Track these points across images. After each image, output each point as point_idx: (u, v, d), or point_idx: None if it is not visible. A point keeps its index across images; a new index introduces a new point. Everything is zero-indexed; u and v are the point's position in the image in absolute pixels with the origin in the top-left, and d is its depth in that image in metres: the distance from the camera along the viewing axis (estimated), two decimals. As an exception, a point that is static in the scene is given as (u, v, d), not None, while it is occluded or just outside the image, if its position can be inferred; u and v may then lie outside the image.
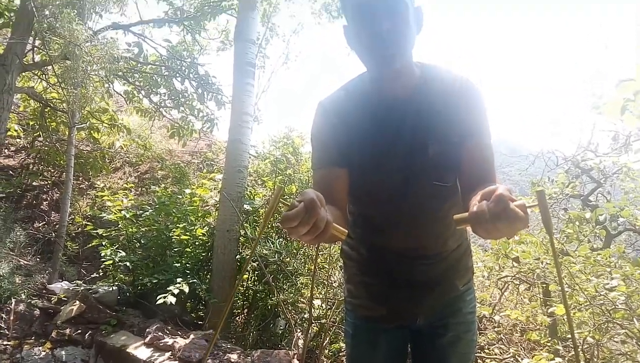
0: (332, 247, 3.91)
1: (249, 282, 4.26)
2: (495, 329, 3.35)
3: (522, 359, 2.74)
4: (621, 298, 2.38)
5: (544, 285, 3.27)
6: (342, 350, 3.67)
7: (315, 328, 3.69)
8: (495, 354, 3.23)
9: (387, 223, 1.33)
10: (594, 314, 2.60)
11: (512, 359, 3.04)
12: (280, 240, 4.08)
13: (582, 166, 4.71)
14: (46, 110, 6.22)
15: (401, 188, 1.25)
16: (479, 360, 3.17)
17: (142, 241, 4.47)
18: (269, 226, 4.50)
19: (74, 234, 5.71)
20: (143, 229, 4.51)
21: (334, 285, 3.84)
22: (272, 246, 3.97)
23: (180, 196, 4.90)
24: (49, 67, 5.52)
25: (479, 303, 3.69)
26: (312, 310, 3.49)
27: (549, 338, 2.99)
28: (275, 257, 3.92)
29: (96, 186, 6.77)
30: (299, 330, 3.76)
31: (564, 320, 2.82)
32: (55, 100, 6.23)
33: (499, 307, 3.50)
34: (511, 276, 3.45)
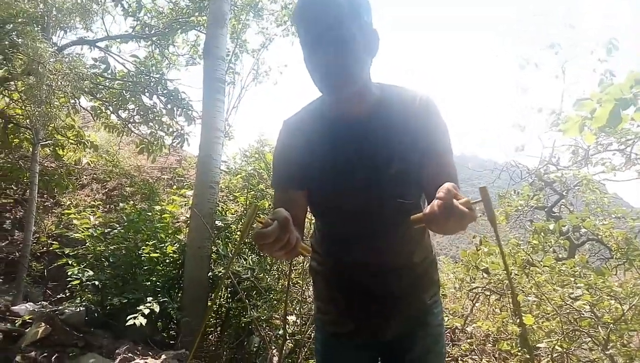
0: (305, 263, 3.92)
1: (222, 299, 4.19)
2: (468, 340, 3.40)
3: (494, 369, 2.80)
4: (586, 307, 2.47)
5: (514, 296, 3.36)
6: (317, 365, 3.65)
7: (290, 344, 3.66)
8: (468, 364, 3.28)
9: (352, 239, 1.35)
10: (562, 323, 2.69)
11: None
12: (254, 256, 4.05)
13: (545, 179, 4.89)
14: (9, 126, 6.02)
15: (364, 205, 1.27)
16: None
17: (111, 260, 4.34)
18: (242, 242, 4.47)
19: (38, 253, 5.51)
20: (112, 247, 4.39)
21: (308, 300, 3.83)
22: (244, 262, 3.94)
23: (149, 213, 4.81)
24: (12, 83, 5.37)
25: (451, 315, 3.75)
26: (287, 326, 3.47)
27: (520, 348, 3.06)
28: (248, 274, 3.89)
29: (62, 203, 6.57)
30: (273, 347, 3.73)
31: (533, 329, 2.90)
32: (18, 116, 6.05)
33: (471, 318, 3.57)
34: (482, 287, 3.53)
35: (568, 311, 2.60)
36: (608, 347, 2.44)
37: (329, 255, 1.45)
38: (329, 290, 1.48)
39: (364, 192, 1.26)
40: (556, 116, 4.87)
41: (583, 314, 2.52)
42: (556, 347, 2.63)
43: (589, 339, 2.58)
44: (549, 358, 2.66)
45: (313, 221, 1.60)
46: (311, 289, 3.89)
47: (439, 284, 1.53)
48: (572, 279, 2.86)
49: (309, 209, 1.39)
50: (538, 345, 2.79)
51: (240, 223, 4.58)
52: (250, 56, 9.13)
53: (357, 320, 1.42)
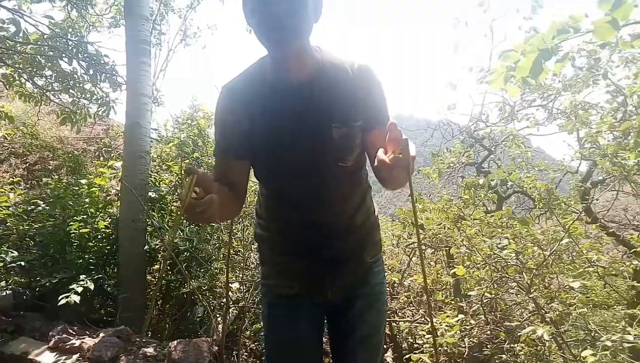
0: (245, 230, 3.89)
1: (161, 273, 4.09)
2: (406, 294, 3.56)
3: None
4: (512, 255, 2.64)
5: (447, 248, 3.52)
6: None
7: (235, 311, 3.66)
8: (407, 317, 3.44)
9: (296, 201, 1.37)
10: (490, 271, 2.86)
11: (422, 319, 3.26)
12: (192, 227, 3.96)
13: (475, 136, 5.09)
14: None
15: (308, 168, 1.29)
16: (393, 324, 3.36)
17: (37, 239, 4.09)
18: (178, 213, 4.34)
19: (-48, 237, 5.07)
20: (37, 225, 4.13)
21: (250, 267, 3.82)
22: (181, 234, 3.84)
23: (76, 188, 4.53)
24: None
25: (390, 270, 3.89)
26: (231, 293, 3.46)
27: (453, 297, 3.24)
28: (186, 245, 3.80)
29: (-24, 182, 6.04)
30: (218, 316, 3.71)
31: (465, 279, 3.07)
32: None
33: (408, 272, 3.72)
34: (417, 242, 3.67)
35: (496, 260, 2.77)
36: (531, 291, 2.63)
37: (273, 218, 1.46)
38: (273, 254, 1.50)
39: (307, 155, 1.27)
40: (484, 73, 5.03)
41: (509, 262, 2.70)
42: (485, 294, 2.81)
43: (515, 284, 2.77)
44: (479, 304, 2.84)
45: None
46: (252, 256, 3.90)
47: (381, 244, 1.58)
48: (500, 230, 3.04)
49: (252, 173, 1.40)
50: (469, 293, 2.98)
51: (177, 193, 4.44)
52: (176, 16, 8.65)
53: (302, 281, 1.45)
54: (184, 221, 4.10)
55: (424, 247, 3.78)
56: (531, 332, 2.25)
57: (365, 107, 1.27)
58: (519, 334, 2.47)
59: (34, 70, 6.32)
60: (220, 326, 3.56)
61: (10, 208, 4.06)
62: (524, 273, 2.67)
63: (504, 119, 5.22)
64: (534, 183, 3.81)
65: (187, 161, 4.65)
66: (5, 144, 6.91)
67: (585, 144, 4.02)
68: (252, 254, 3.95)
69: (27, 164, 6.80)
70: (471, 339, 2.78)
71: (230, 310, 3.55)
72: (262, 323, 1.77)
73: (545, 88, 4.66)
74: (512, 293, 3.03)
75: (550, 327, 2.28)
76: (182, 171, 4.46)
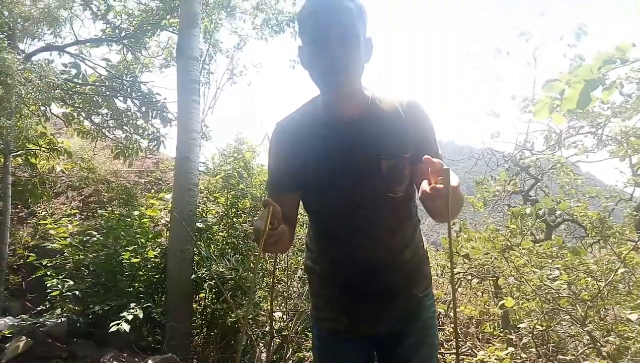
0: (288, 259, 3.93)
1: (207, 301, 4.17)
2: (452, 325, 3.46)
3: (478, 351, 2.85)
4: (564, 286, 2.54)
5: (495, 278, 3.43)
6: (306, 358, 3.67)
7: (277, 340, 3.67)
8: (453, 348, 3.33)
9: (345, 235, 1.38)
10: (541, 302, 2.76)
11: (469, 352, 3.16)
12: (237, 256, 4.04)
13: (520, 164, 4.99)
14: (-23, 138, 5.84)
15: (356, 202, 1.32)
16: (439, 356, 3.26)
17: (91, 268, 4.28)
18: (225, 242, 4.46)
19: (15, 266, 5.39)
20: (91, 255, 4.33)
21: (292, 296, 3.84)
22: (227, 263, 3.92)
23: (128, 219, 4.74)
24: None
25: (435, 301, 3.80)
26: (274, 322, 3.48)
27: (502, 329, 3.13)
28: (232, 274, 3.87)
29: (37, 213, 6.42)
30: (261, 344, 3.73)
31: (514, 310, 2.97)
32: (-15, 126, 5.86)
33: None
34: (463, 272, 3.59)
35: (547, 291, 2.66)
36: (586, 323, 2.51)
37: (323, 253, 1.48)
38: (323, 287, 1.51)
39: (357, 187, 1.30)
40: (528, 101, 4.96)
41: (561, 293, 2.59)
42: (537, 326, 2.70)
43: (568, 317, 2.65)
44: (530, 337, 2.73)
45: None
46: (296, 285, 3.91)
47: (431, 277, 1.56)
48: (550, 261, 2.93)
49: (302, 207, 1.45)
50: (519, 325, 2.86)
51: (222, 223, 4.54)
52: (224, 56, 9.05)
53: (351, 317, 1.45)
54: (229, 250, 4.19)
55: (469, 277, 3.70)
56: (587, 367, 2.13)
57: (414, 141, 1.30)
58: (574, 369, 2.35)
59: (92, 108, 6.77)
60: (264, 355, 3.57)
61: (67, 239, 4.29)
62: (577, 305, 2.55)
63: (550, 147, 5.10)
64: (585, 212, 3.67)
65: (233, 192, 4.78)
66: (63, 178, 7.34)
67: (638, 171, 3.86)
68: (295, 283, 3.97)
69: (83, 197, 7.18)
70: (523, 374, 2.66)
71: (274, 339, 3.56)
72: (312, 355, 1.78)
73: (594, 115, 4.54)
74: (565, 325, 2.89)
75: (607, 362, 2.16)
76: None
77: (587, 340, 2.53)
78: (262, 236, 1.06)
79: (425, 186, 1.03)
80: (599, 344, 2.42)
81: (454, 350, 3.21)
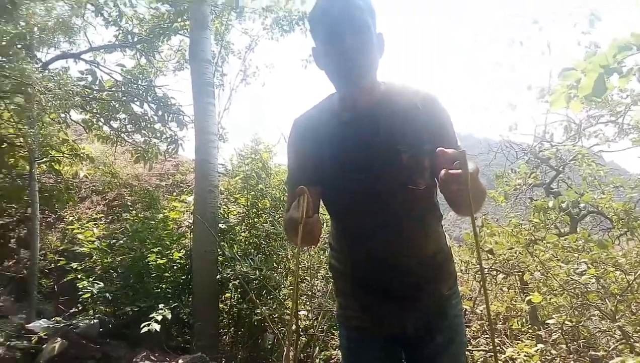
0: (310, 257, 3.96)
1: (233, 301, 4.24)
2: (479, 321, 3.46)
3: (506, 347, 2.85)
4: (592, 281, 2.52)
5: (520, 274, 3.41)
6: (333, 357, 3.70)
7: (303, 339, 3.71)
8: (481, 345, 3.33)
9: (367, 231, 1.38)
10: (569, 297, 2.73)
11: (497, 348, 3.15)
12: (260, 256, 4.09)
13: (540, 156, 4.93)
14: (2, 146, 5.99)
15: (376, 195, 1.32)
16: (467, 353, 3.26)
17: (119, 270, 4.39)
18: (247, 242, 4.51)
19: (46, 270, 5.54)
20: (119, 258, 4.43)
21: (317, 294, 3.87)
22: (251, 263, 3.97)
23: (153, 222, 4.83)
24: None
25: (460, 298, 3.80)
26: (299, 321, 3.52)
27: (530, 325, 3.11)
28: (256, 274, 3.92)
29: (64, 218, 6.57)
30: (287, 343, 3.78)
31: (542, 305, 2.95)
32: (10, 135, 6.00)
33: (480, 299, 3.62)
34: (487, 267, 3.57)
35: (575, 286, 2.64)
36: (617, 318, 2.49)
37: (346, 250, 1.48)
38: (348, 286, 1.51)
39: (377, 180, 1.30)
40: (544, 91, 4.88)
41: (589, 287, 2.57)
42: (566, 322, 2.67)
43: (598, 311, 2.63)
44: (560, 333, 2.71)
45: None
46: (319, 284, 3.95)
47: (456, 275, 1.55)
48: (576, 255, 2.90)
49: (322, 205, 1.45)
50: (548, 321, 2.85)
51: (244, 223, 4.59)
52: (236, 58, 9.07)
53: (377, 315, 1.45)
54: (252, 250, 4.24)
55: (495, 272, 3.68)
56: None
57: (432, 133, 1.29)
58: (605, 364, 2.33)
59: (110, 114, 6.88)
60: (291, 353, 3.61)
61: (95, 242, 4.39)
62: (606, 299, 2.53)
63: (571, 137, 5.02)
64: (610, 203, 3.62)
65: (253, 193, 4.82)
66: (87, 183, 7.49)
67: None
68: (318, 282, 4.00)
69: (107, 201, 7.32)
70: (553, 369, 2.65)
71: (300, 338, 3.60)
72: (340, 352, 1.79)
73: (613, 104, 4.47)
74: (595, 321, 2.86)
75: (641, 357, 2.15)
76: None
77: (619, 335, 2.50)
78: (301, 222, 1.08)
79: (442, 173, 1.03)
80: (632, 339, 2.40)
81: (482, 348, 3.22)
